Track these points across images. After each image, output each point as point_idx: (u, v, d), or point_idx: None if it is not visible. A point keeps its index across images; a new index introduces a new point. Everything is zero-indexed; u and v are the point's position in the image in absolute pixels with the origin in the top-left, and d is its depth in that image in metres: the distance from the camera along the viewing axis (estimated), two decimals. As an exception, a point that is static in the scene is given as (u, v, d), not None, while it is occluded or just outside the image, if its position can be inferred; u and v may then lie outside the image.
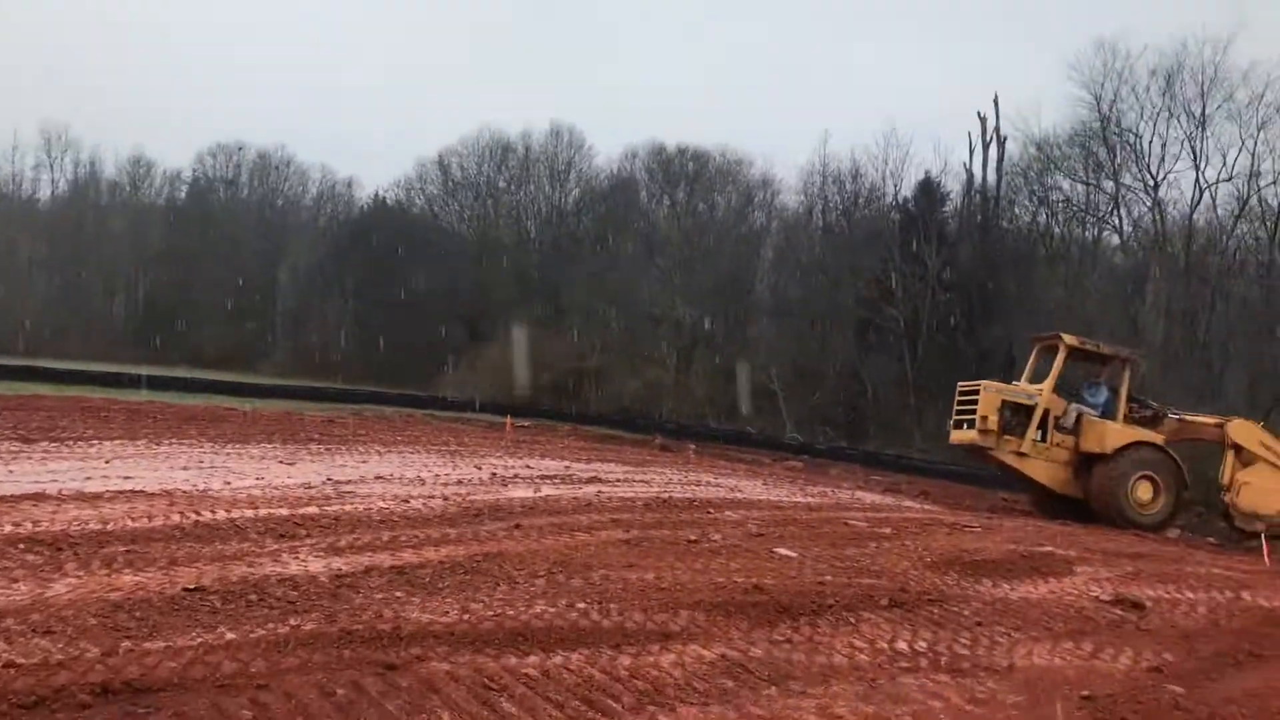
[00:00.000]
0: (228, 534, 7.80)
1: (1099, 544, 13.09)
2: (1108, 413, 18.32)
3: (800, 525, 11.38)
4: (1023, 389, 19.02)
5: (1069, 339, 18.81)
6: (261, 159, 65.52)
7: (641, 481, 14.90)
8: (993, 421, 18.15)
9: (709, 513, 11.64)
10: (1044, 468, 18.27)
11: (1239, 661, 7.34)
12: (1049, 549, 11.32)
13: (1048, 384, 18.44)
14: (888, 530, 11.70)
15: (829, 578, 8.20)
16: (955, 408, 19.14)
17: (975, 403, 18.42)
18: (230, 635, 5.18)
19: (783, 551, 9.29)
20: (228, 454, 13.64)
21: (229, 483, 10.44)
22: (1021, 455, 18.26)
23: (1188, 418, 18.94)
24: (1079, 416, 18.26)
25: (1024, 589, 8.80)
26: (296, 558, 7.11)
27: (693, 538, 9.46)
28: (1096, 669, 6.62)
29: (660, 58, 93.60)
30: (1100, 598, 8.73)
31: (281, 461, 13.12)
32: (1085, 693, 5.98)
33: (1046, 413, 18.25)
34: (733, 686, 5.36)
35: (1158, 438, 18.05)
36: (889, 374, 38.76)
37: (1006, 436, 18.27)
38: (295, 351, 55.13)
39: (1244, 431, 17.93)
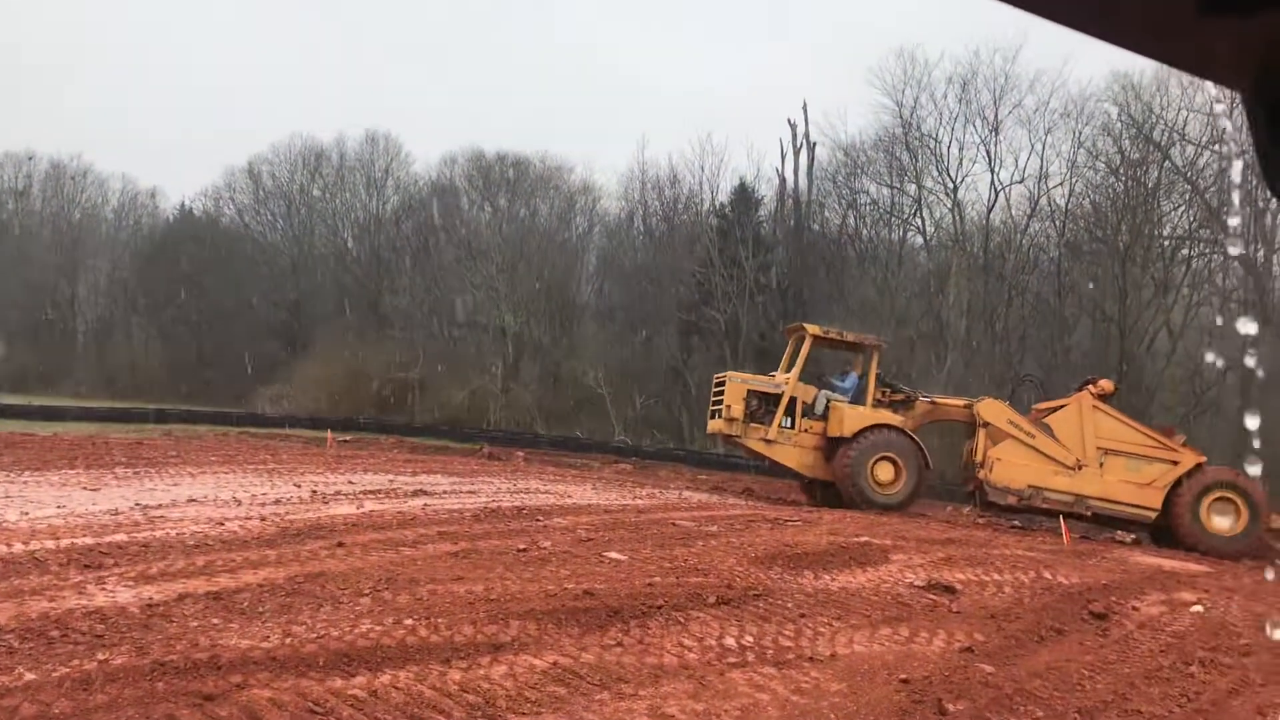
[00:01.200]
0: (26, 567, 7.31)
1: (913, 532, 13.69)
2: (857, 398, 19.00)
3: (629, 528, 11.48)
4: (769, 379, 19.76)
5: (811, 329, 19.60)
6: (55, 169, 61.73)
7: (469, 492, 14.73)
8: (738, 411, 18.87)
9: (538, 520, 11.61)
10: (792, 453, 18.97)
11: (1042, 637, 7.81)
12: (866, 539, 11.76)
13: (794, 372, 19.14)
14: (714, 528, 11.94)
15: (658, 579, 8.31)
16: (711, 399, 19.89)
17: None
18: (30, 676, 4.86)
19: (612, 555, 9.36)
20: (24, 482, 12.79)
21: (26, 513, 9.79)
22: (769, 442, 18.97)
23: (938, 400, 19.91)
24: (828, 402, 18.97)
25: (844, 579, 9.12)
26: (103, 589, 6.73)
27: (522, 547, 9.42)
28: (913, 652, 6.93)
29: (476, 65, 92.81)
30: (915, 584, 9.13)
31: (85, 488, 12.38)
32: (903, 676, 6.25)
33: (794, 400, 18.97)
34: (565, 694, 5.37)
35: (896, 420, 18.73)
36: (711, 375, 39.50)
37: (754, 425, 18.95)
38: (99, 371, 52.25)
39: (993, 410, 18.72)
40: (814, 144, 42.76)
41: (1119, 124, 35.00)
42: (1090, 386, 18.63)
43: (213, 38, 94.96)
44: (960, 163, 38.78)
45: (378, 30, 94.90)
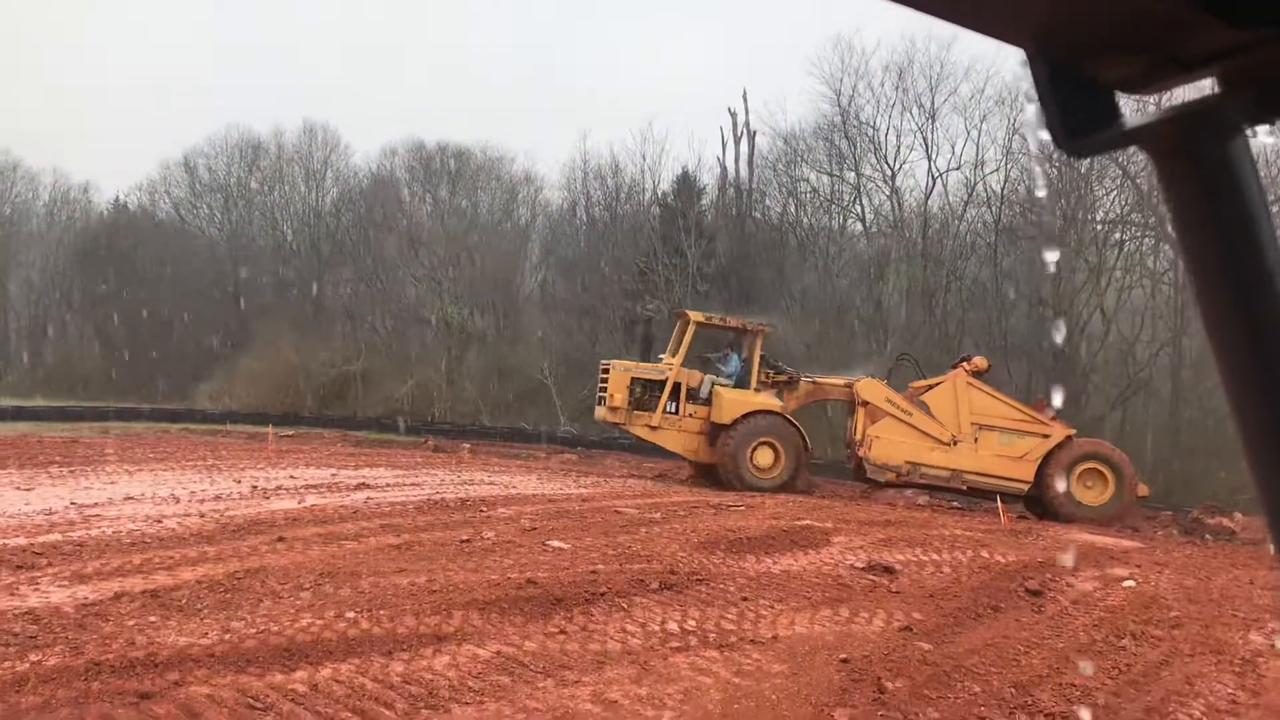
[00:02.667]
0: (-45, 570, 7.18)
1: (854, 515, 13.87)
2: (741, 380, 19.35)
3: (573, 517, 11.51)
4: (653, 366, 20.30)
5: (693, 315, 20.04)
6: (-18, 162, 60.15)
7: (413, 485, 14.66)
8: (620, 399, 19.21)
9: (482, 511, 11.60)
10: (677, 438, 19.33)
11: (979, 615, 7.96)
12: (807, 522, 11.90)
13: (677, 359, 19.48)
14: (657, 515, 12.00)
15: (601, 566, 8.35)
16: (598, 386, 20.17)
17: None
18: (-40, 679, 4.79)
19: (556, 544, 9.38)
20: (-46, 484, 12.52)
21: (-44, 515, 9.61)
22: (654, 428, 19.37)
23: (820, 380, 20.24)
24: (712, 387, 19.33)
25: (785, 562, 9.23)
26: (37, 589, 6.63)
27: (465, 538, 9.41)
28: (853, 633, 7.03)
29: (416, 56, 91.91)
30: (855, 565, 9.26)
31: (18, 488, 12.14)
32: (843, 656, 6.34)
33: (678, 386, 19.28)
34: (508, 682, 5.39)
35: (775, 405, 19.05)
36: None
37: (639, 411, 19.31)
38: (33, 370, 51.11)
39: (870, 389, 19.11)
40: (754, 133, 42.93)
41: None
42: (965, 364, 19.16)
43: (145, 28, 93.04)
44: (898, 150, 39.13)
45: (315, 21, 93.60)
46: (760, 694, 5.56)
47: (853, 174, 40.05)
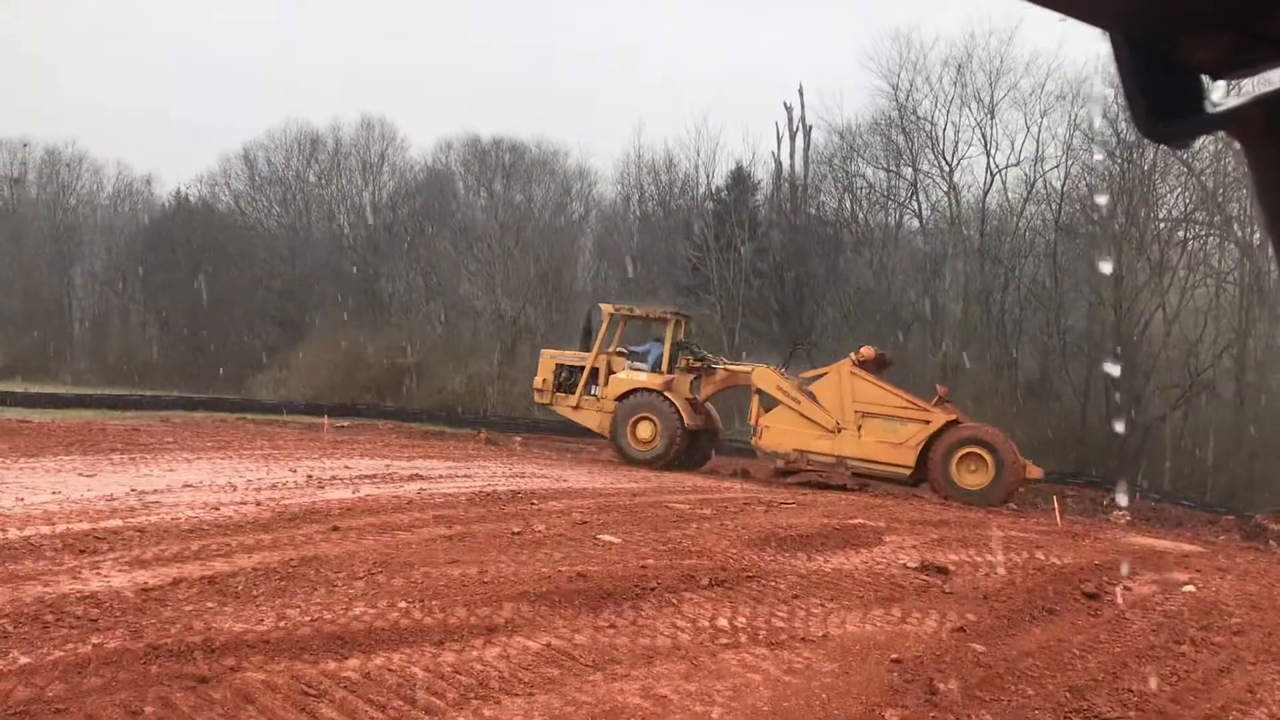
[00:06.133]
0: (21, 553, 7.33)
1: (906, 514, 13.74)
2: (656, 366, 20.98)
3: (623, 511, 11.51)
4: (575, 353, 22.17)
5: (606, 307, 22.03)
6: (50, 155, 61.41)
7: (465, 477, 14.75)
8: (547, 382, 21.81)
9: (533, 504, 11.64)
10: (595, 417, 21.29)
11: (1034, 617, 7.84)
12: (860, 521, 11.81)
13: (596, 346, 21.45)
14: (708, 511, 11.97)
15: (651, 561, 8.34)
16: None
17: None
18: (24, 659, 4.89)
19: (606, 538, 9.39)
20: (20, 469, 12.79)
21: (22, 499, 9.81)
22: (575, 408, 21.52)
23: (730, 367, 21.33)
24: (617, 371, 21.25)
25: (837, 560, 9.16)
26: (98, 573, 6.75)
27: (516, 530, 9.45)
28: (905, 633, 6.96)
29: (472, 50, 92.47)
30: (908, 565, 9.16)
31: (81, 474, 12.38)
32: (895, 656, 6.28)
33: (596, 371, 21.30)
34: (558, 675, 5.40)
35: (655, 383, 20.62)
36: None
37: (562, 393, 21.63)
38: (96, 358, 52.17)
39: (763, 377, 20.11)
40: (810, 127, 42.64)
41: (1115, 106, 34.89)
42: (853, 354, 19.80)
43: (207, 22, 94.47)
44: (956, 146, 38.66)
45: (372, 15, 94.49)
46: (810, 692, 5.53)
47: (910, 170, 39.62)
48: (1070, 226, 35.92)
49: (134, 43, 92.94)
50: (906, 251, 40.40)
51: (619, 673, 5.52)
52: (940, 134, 38.82)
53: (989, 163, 38.08)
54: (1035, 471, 18.66)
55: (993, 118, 37.90)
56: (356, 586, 6.77)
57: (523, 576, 7.34)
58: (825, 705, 5.36)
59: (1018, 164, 37.70)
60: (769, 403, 19.99)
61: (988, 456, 18.15)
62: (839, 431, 19.02)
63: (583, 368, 21.42)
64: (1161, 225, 33.89)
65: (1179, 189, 34.15)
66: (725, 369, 21.15)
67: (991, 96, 37.82)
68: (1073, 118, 35.96)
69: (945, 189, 39.09)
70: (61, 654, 4.98)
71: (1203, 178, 32.04)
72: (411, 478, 13.80)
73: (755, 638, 6.45)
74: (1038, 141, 37.14)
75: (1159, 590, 9.57)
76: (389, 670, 5.14)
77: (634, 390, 20.62)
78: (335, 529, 8.84)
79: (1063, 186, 36.43)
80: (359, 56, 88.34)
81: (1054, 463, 24.33)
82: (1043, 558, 10.41)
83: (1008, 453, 18.22)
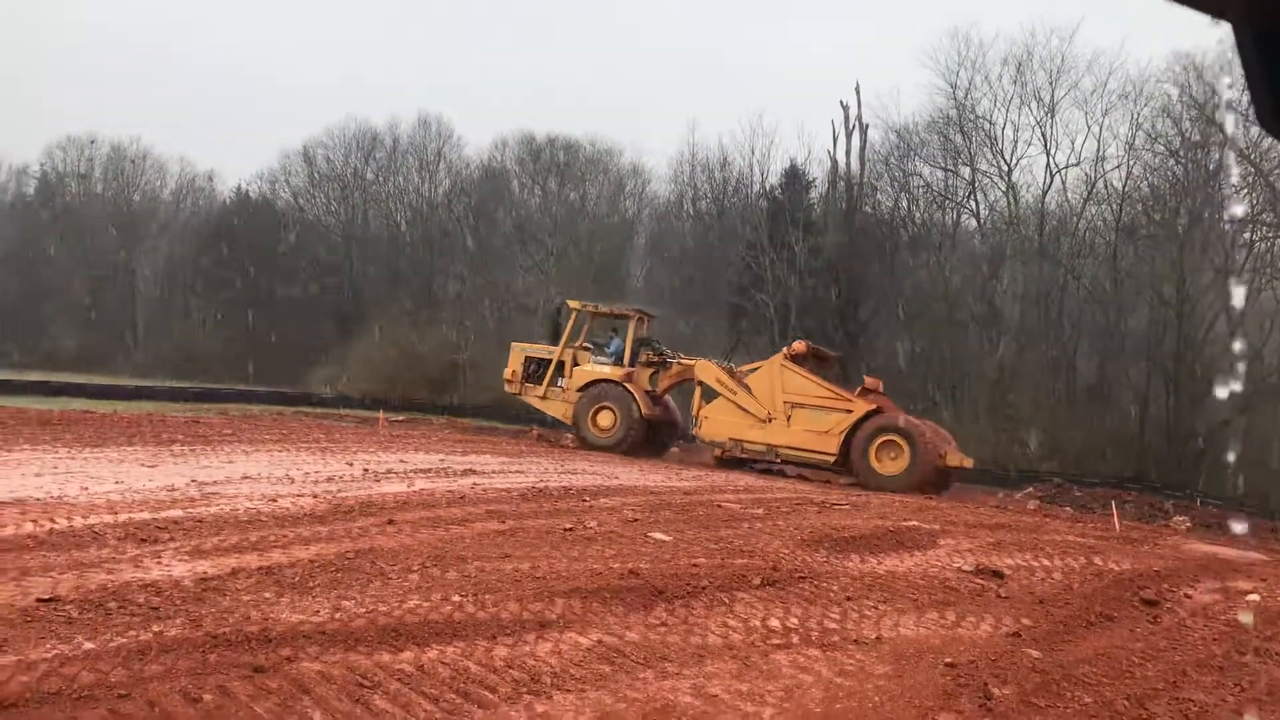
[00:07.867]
0: (85, 541, 7.48)
1: (961, 517, 13.59)
2: (618, 359, 22.21)
3: (675, 509, 11.50)
4: (543, 346, 23.46)
5: (572, 303, 23.45)
6: (116, 152, 62.68)
7: (518, 472, 14.83)
8: (517, 373, 23.05)
9: (585, 501, 11.67)
10: (560, 407, 22.53)
11: (1091, 623, 7.71)
12: (914, 523, 11.69)
13: (563, 339, 22.76)
14: (760, 511, 11.93)
15: (703, 560, 8.32)
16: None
17: None
18: (88, 645, 4.98)
19: (658, 536, 9.39)
20: (84, 458, 13.05)
21: (86, 488, 10.01)
22: (543, 399, 22.82)
23: (684, 360, 22.35)
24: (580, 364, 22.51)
25: (890, 563, 9.08)
26: (159, 562, 6.87)
27: (568, 526, 9.48)
28: (959, 637, 6.88)
29: (527, 46, 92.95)
30: (963, 568, 9.06)
31: (143, 464, 12.62)
32: (949, 660, 6.21)
33: (563, 364, 22.55)
34: (609, 671, 5.40)
35: (616, 374, 21.86)
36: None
37: (530, 384, 22.89)
38: (158, 351, 53.19)
39: (704, 370, 21.46)
40: (866, 126, 42.32)
41: (1179, 105, 34.22)
42: (786, 348, 21.07)
43: (268, 21, 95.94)
44: (1015, 145, 38.21)
45: (429, 12, 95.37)
46: (862, 694, 5.48)
47: (967, 169, 39.20)
48: (1131, 227, 35.30)
49: (198, 38, 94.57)
50: (964, 251, 39.96)
51: (670, 671, 5.51)
52: (999, 133, 38.42)
53: (1049, 162, 37.62)
54: (963, 460, 19.16)
55: (1053, 117, 37.43)
56: (411, 579, 6.83)
57: (574, 572, 7.36)
58: (878, 708, 5.31)
59: (1078, 164, 37.23)
60: (710, 394, 21.05)
61: (903, 444, 18.82)
62: (770, 421, 20.06)
63: (550, 360, 22.68)
64: (1227, 227, 33.18)
65: (1244, 189, 33.42)
66: (679, 363, 22.19)
67: (1052, 95, 37.35)
68: (1135, 117, 35.38)
69: (1004, 189, 38.66)
70: (124, 640, 5.08)
71: (1271, 178, 31.32)
72: (465, 472, 13.90)
73: (807, 639, 6.41)
74: (1099, 141, 36.66)
75: (1221, 598, 9.37)
76: (442, 663, 5.18)
77: (596, 381, 21.87)
78: (390, 522, 8.93)
79: (1124, 187, 35.86)
80: (417, 55, 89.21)
81: (1112, 467, 23.92)
82: (1100, 563, 10.24)
83: (923, 441, 18.74)
